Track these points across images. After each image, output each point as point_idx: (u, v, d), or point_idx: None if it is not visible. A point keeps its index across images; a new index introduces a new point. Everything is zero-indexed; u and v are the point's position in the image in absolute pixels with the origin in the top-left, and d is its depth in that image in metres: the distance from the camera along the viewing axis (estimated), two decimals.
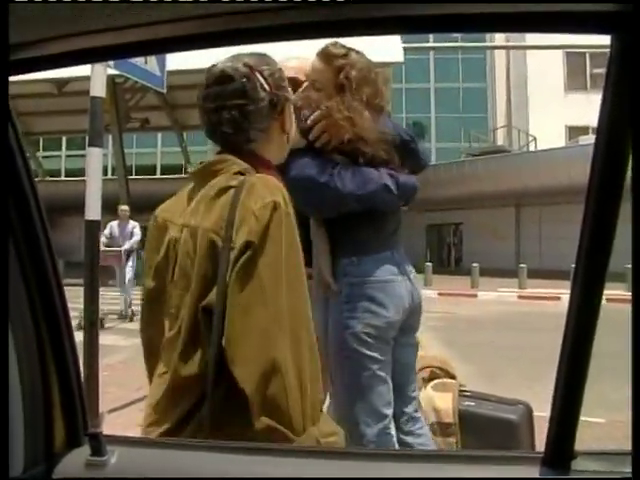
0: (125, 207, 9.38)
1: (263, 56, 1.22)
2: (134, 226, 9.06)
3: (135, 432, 3.88)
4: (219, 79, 1.17)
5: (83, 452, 0.85)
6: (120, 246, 8.84)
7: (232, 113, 1.15)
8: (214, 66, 1.19)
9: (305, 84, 1.82)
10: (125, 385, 4.63)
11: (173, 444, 0.89)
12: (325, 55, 1.80)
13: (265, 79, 1.18)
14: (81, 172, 3.89)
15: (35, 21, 0.65)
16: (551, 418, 0.69)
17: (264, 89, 1.18)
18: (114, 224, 9.04)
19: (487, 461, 0.75)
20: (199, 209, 1.13)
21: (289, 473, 0.79)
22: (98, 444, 0.83)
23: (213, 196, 1.11)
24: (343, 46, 1.84)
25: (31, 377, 0.81)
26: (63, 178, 25.89)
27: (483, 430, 1.93)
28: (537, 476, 0.70)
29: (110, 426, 3.38)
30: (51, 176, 26.02)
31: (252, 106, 1.16)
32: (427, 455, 0.93)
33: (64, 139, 27.31)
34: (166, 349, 1.16)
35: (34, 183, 0.76)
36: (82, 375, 0.88)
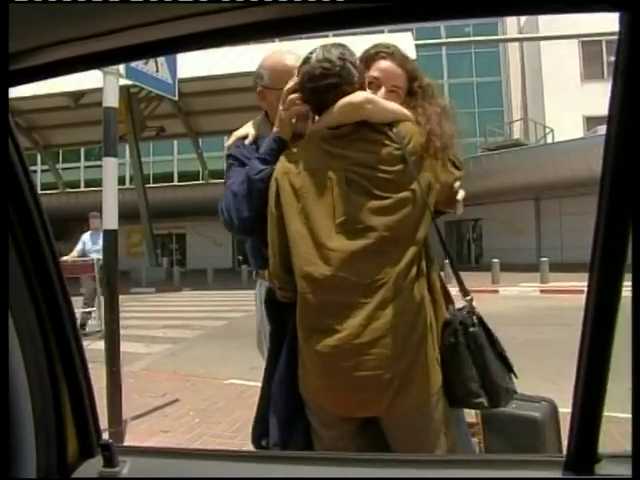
0: (96, 213, 7.81)
1: (344, 47, 1.53)
2: None
3: (159, 438, 3.88)
4: (324, 70, 1.48)
5: (96, 463, 0.84)
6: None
7: (329, 81, 1.47)
8: (311, 60, 1.50)
9: (382, 89, 1.63)
10: (148, 392, 4.66)
11: (185, 453, 0.88)
12: (399, 58, 1.67)
13: (354, 67, 1.50)
14: (100, 182, 3.93)
15: (33, 28, 0.64)
16: (572, 420, 0.65)
17: (355, 75, 1.50)
18: (86, 236, 8.15)
19: (508, 466, 0.73)
20: None
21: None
22: (110, 455, 0.82)
23: None
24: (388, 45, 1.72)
25: (41, 389, 0.81)
26: (82, 189, 26.30)
27: (507, 429, 1.88)
28: None
29: (134, 433, 3.40)
30: (71, 187, 26.49)
31: (349, 87, 1.48)
32: (447, 460, 0.90)
33: (82, 150, 27.75)
34: None
35: (36, 192, 0.76)
36: (92, 386, 0.88)
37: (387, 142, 1.45)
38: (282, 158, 1.57)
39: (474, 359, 1.43)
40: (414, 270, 1.42)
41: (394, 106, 1.55)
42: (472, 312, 1.48)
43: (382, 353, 1.36)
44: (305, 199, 1.46)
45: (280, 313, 1.65)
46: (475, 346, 1.44)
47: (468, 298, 1.51)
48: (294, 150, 1.57)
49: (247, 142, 1.80)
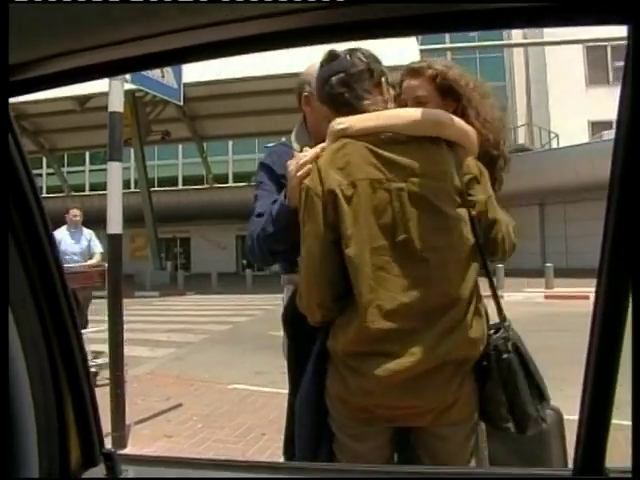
0: (76, 211, 6.23)
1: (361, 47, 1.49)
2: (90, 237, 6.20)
3: (162, 443, 3.88)
4: (329, 58, 1.48)
5: (98, 472, 0.84)
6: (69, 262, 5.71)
7: (340, 76, 1.45)
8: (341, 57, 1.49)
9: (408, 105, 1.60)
10: (152, 396, 4.67)
11: (187, 462, 0.88)
12: (413, 71, 1.61)
13: (363, 54, 1.48)
14: (105, 186, 3.94)
15: (34, 39, 0.65)
16: (578, 431, 0.64)
17: (361, 60, 1.47)
18: (63, 233, 6.05)
19: None
20: None
21: None
22: (113, 464, 0.82)
23: None
24: (420, 61, 1.71)
25: (44, 398, 0.80)
26: (87, 192, 26.39)
27: (511, 438, 1.87)
28: None
29: (137, 437, 3.41)
30: (76, 191, 26.60)
31: (354, 69, 1.45)
32: (450, 473, 0.89)
33: (87, 154, 27.88)
34: None
35: (37, 191, 0.75)
36: (96, 394, 0.87)
37: (446, 156, 1.37)
38: (324, 167, 1.39)
39: (505, 385, 1.40)
40: (475, 291, 1.39)
41: (469, 128, 1.48)
42: (507, 338, 1.43)
43: (444, 377, 1.33)
44: (363, 216, 1.33)
45: (301, 335, 1.56)
46: (507, 372, 1.40)
47: (506, 324, 1.47)
48: (332, 156, 1.40)
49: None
